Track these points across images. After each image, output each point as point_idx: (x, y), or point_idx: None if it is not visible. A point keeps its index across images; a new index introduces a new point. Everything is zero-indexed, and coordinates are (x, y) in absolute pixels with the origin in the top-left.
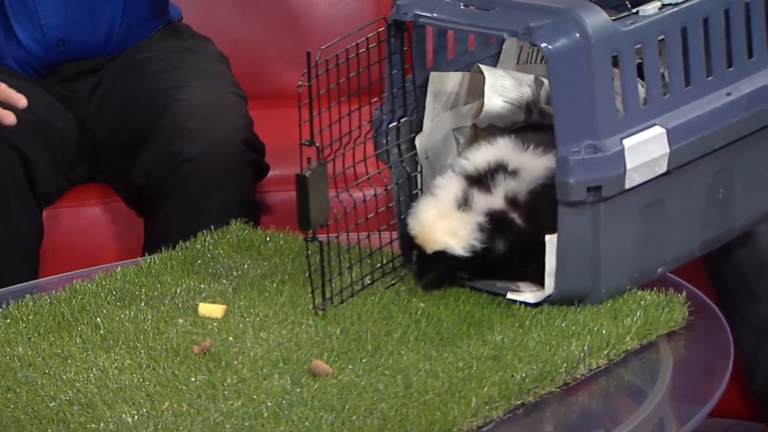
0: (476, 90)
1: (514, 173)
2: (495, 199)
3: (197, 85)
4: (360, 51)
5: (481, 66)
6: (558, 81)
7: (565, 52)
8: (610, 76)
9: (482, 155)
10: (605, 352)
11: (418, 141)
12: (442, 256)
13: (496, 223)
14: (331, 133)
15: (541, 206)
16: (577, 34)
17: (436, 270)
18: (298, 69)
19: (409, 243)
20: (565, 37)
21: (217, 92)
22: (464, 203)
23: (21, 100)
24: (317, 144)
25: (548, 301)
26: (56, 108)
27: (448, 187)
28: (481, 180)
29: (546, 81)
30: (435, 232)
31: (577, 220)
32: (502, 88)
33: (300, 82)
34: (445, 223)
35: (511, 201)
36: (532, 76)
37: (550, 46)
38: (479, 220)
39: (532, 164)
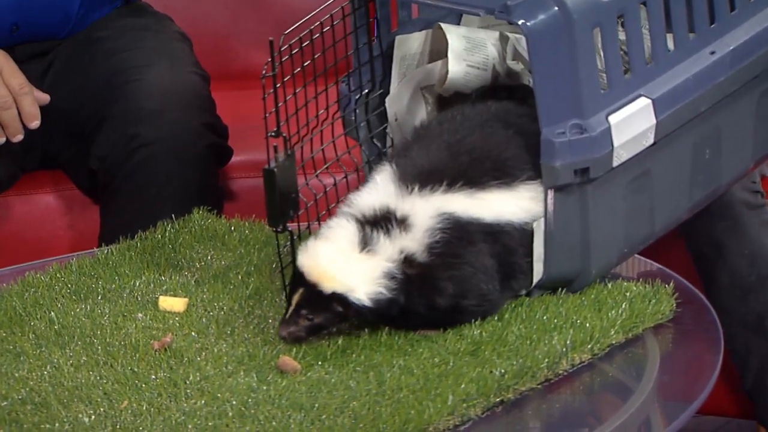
0: (440, 47)
1: (403, 225)
2: (396, 251)
3: (156, 65)
4: (324, 29)
5: (443, 27)
6: (539, 60)
7: (545, 29)
8: (592, 50)
9: (368, 200)
10: (589, 346)
11: (388, 103)
12: (334, 301)
13: (403, 275)
14: (298, 120)
15: (439, 262)
16: (556, 8)
17: (316, 316)
18: (263, 48)
19: (297, 280)
20: (543, 13)
21: (176, 72)
22: (367, 246)
23: (34, 121)
24: (284, 134)
25: (538, 285)
26: None
27: (342, 229)
28: (378, 225)
29: (511, 36)
30: (338, 270)
31: (564, 203)
32: (466, 52)
33: (264, 72)
34: (348, 264)
35: (409, 258)
36: (496, 33)
37: (528, 24)
38: (388, 266)
39: (418, 212)
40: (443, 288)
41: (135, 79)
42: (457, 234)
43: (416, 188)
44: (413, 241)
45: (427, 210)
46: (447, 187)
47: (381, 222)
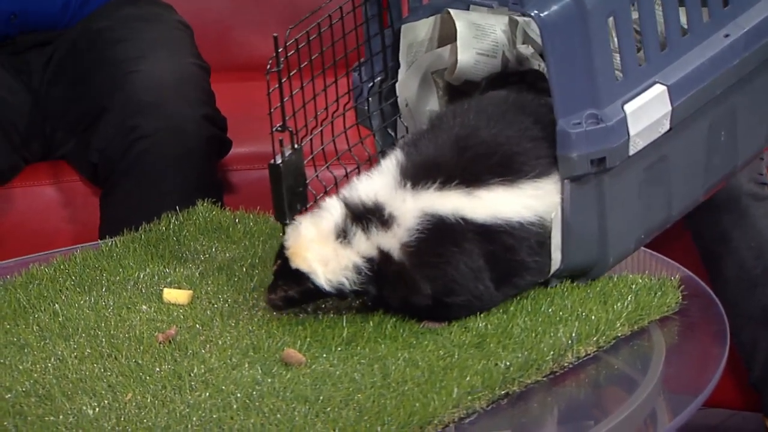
0: (449, 31)
1: (386, 222)
2: (371, 247)
3: (156, 56)
4: (333, 22)
5: (451, 13)
6: (553, 51)
7: (559, 19)
8: (607, 39)
9: (363, 189)
10: (594, 338)
11: (398, 88)
12: (301, 278)
13: (375, 271)
14: (305, 113)
15: (416, 262)
16: None
17: (289, 289)
18: (266, 38)
19: (279, 251)
20: (557, 4)
21: (176, 64)
22: (343, 236)
23: None
24: (290, 129)
25: (556, 275)
26: (7, 81)
27: (329, 213)
28: (361, 218)
29: (521, 19)
30: (309, 251)
31: (580, 194)
32: (475, 40)
33: (268, 67)
34: (321, 248)
35: (385, 255)
36: (506, 18)
37: (542, 15)
38: (357, 261)
39: (405, 209)
40: (419, 288)
41: (134, 71)
42: (439, 234)
43: (409, 184)
44: (393, 239)
45: (414, 209)
46: (440, 185)
47: (364, 216)
